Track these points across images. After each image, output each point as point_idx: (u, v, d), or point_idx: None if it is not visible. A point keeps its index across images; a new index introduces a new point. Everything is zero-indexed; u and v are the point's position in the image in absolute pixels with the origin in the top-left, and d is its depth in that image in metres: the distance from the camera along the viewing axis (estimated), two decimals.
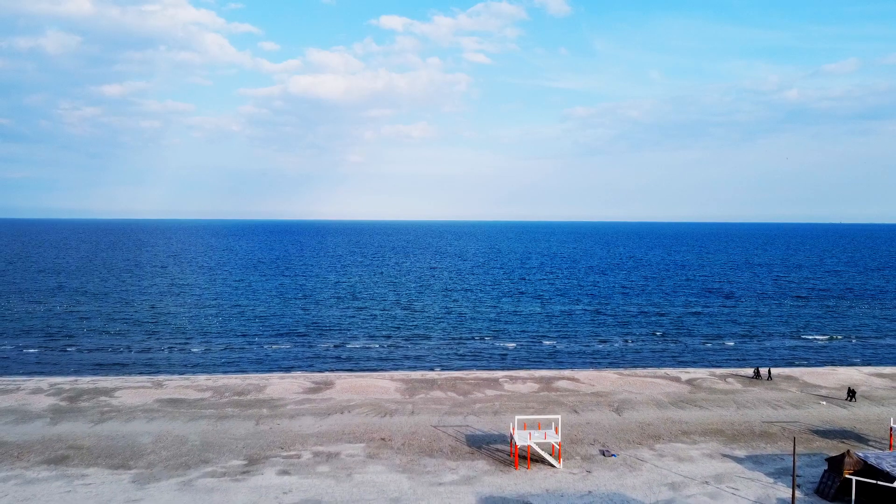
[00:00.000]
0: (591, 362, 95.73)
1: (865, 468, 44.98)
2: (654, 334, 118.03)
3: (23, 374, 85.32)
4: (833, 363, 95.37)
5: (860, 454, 46.22)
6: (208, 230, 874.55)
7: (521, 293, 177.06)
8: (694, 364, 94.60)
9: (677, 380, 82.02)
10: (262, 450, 55.55)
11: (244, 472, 50.43)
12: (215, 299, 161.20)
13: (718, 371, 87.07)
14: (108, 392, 74.48)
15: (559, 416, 56.60)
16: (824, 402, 71.96)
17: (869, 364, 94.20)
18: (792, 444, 57.54)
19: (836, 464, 46.36)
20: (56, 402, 70.42)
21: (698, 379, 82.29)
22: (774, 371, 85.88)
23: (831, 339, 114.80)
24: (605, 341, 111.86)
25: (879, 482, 43.04)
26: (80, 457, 53.81)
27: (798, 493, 46.88)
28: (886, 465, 43.76)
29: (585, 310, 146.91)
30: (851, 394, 72.94)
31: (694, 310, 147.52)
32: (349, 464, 52.43)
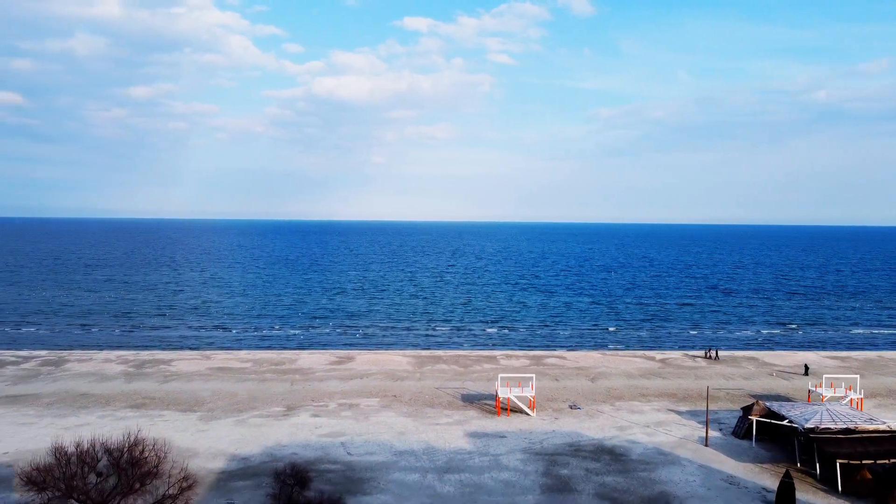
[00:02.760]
0: (582, 345, 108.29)
1: (769, 413, 57.37)
2: (644, 321, 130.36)
3: (93, 348, 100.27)
4: (799, 348, 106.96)
5: (767, 403, 58.66)
6: (234, 230, 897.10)
7: (532, 287, 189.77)
8: (673, 347, 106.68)
9: (652, 359, 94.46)
10: (297, 401, 69.39)
11: (284, 415, 64.31)
12: (249, 290, 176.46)
13: (691, 352, 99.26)
14: (166, 362, 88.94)
15: (533, 375, 69.70)
16: (774, 374, 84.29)
17: (825, 348, 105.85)
18: (732, 403, 70.08)
19: (747, 410, 58.94)
20: (125, 368, 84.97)
21: (670, 358, 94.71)
22: (739, 353, 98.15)
23: (807, 327, 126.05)
24: (598, 327, 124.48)
25: (773, 420, 55.53)
26: (154, 404, 68.10)
27: (718, 434, 59.57)
28: (784, 411, 56.08)
29: (587, 302, 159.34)
30: (806, 369, 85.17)
31: (687, 302, 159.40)
32: (366, 411, 66.06)
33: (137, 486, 37.72)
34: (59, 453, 37.70)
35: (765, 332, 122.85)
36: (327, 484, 46.32)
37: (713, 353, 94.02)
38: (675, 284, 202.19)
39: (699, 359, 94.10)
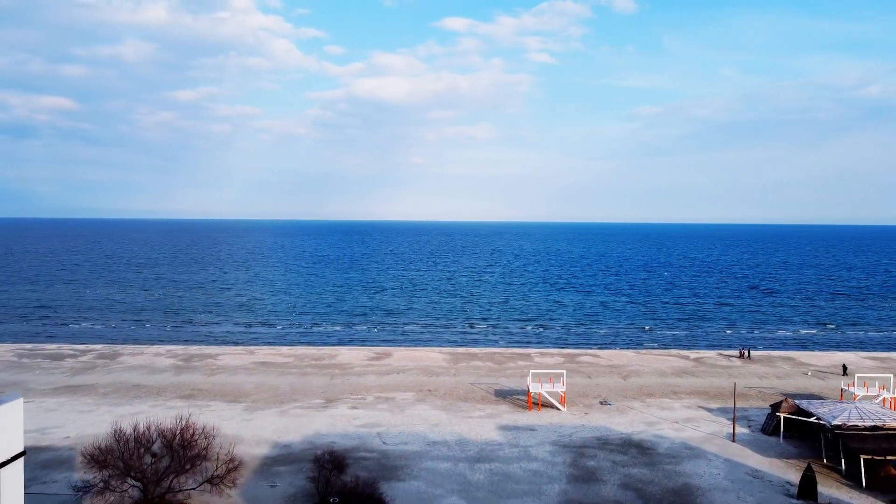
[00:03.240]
0: (617, 343, 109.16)
1: (797, 410, 57.96)
2: (680, 320, 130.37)
3: (145, 342, 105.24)
4: (838, 348, 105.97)
5: (796, 401, 59.24)
6: (277, 230, 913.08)
7: (569, 287, 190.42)
8: (708, 347, 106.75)
9: (686, 358, 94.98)
10: (336, 394, 72.34)
11: (324, 407, 67.29)
12: (292, 288, 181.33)
13: (726, 352, 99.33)
14: (212, 356, 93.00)
15: (564, 371, 71.30)
16: (809, 373, 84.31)
17: (866, 349, 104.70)
18: (763, 401, 70.57)
19: (775, 408, 59.59)
20: (174, 361, 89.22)
21: (704, 357, 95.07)
22: (775, 353, 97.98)
23: (848, 327, 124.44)
24: (633, 326, 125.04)
25: (801, 417, 56.20)
26: (202, 395, 71.82)
27: (747, 430, 60.41)
28: (812, 409, 56.63)
29: (624, 301, 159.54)
30: (844, 369, 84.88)
31: (726, 302, 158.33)
32: (402, 404, 68.62)
33: (188, 466, 40.88)
34: (118, 435, 41.09)
35: (804, 332, 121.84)
36: (363, 470, 48.84)
37: (746, 353, 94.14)
38: (714, 284, 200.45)
39: (734, 358, 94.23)
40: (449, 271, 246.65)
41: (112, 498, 39.79)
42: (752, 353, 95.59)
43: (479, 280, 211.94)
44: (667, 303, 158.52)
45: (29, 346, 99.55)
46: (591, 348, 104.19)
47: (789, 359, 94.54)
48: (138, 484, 39.78)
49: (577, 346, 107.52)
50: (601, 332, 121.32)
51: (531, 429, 60.45)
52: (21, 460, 17.84)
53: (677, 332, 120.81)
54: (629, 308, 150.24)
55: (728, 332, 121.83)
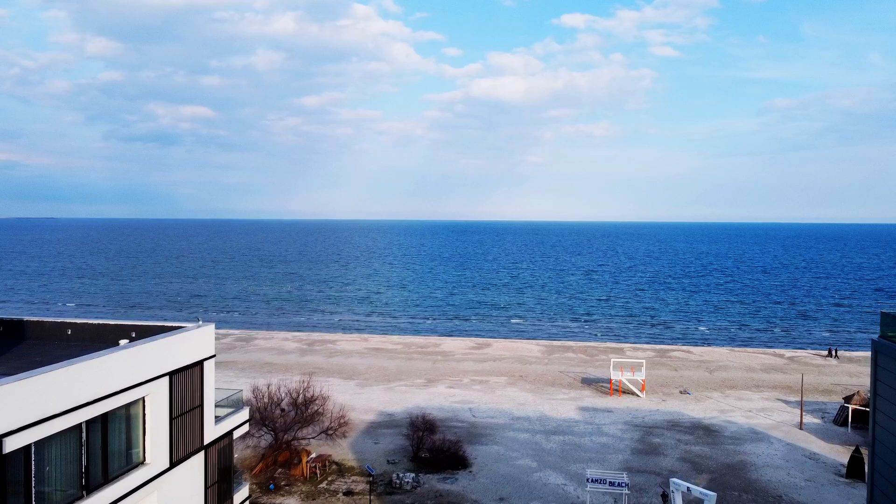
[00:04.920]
0: (712, 341, 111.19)
1: (867, 402, 60.26)
2: (785, 320, 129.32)
3: (275, 329, 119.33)
4: None
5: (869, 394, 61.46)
6: (395, 230, 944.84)
7: (679, 287, 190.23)
8: (809, 347, 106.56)
9: (780, 356, 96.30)
10: (436, 376, 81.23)
11: (425, 385, 76.31)
12: (407, 284, 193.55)
13: (822, 352, 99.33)
14: (332, 342, 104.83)
15: (644, 361, 76.29)
16: None
17: None
18: (842, 397, 72.33)
19: (847, 399, 62.18)
20: (299, 345, 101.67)
21: (799, 356, 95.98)
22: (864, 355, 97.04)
23: None
24: (734, 325, 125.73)
25: (867, 408, 58.60)
26: (322, 372, 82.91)
27: (819, 421, 63.31)
28: None
29: (731, 301, 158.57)
30: None
31: (841, 303, 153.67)
32: (494, 386, 76.41)
33: (309, 420, 50.77)
34: (256, 393, 51.66)
35: None
36: (453, 436, 57.04)
37: (833, 352, 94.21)
38: (834, 286, 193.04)
39: (830, 358, 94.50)
40: (559, 270, 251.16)
41: (251, 441, 50.28)
42: (852, 353, 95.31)
43: (589, 279, 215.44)
44: (778, 303, 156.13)
45: None
46: (686, 345, 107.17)
47: None
48: (271, 432, 50.02)
49: (672, 341, 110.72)
50: (700, 329, 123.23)
51: (608, 411, 66.40)
52: (213, 360, 27.28)
53: (779, 332, 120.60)
54: (735, 307, 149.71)
55: (834, 332, 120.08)
